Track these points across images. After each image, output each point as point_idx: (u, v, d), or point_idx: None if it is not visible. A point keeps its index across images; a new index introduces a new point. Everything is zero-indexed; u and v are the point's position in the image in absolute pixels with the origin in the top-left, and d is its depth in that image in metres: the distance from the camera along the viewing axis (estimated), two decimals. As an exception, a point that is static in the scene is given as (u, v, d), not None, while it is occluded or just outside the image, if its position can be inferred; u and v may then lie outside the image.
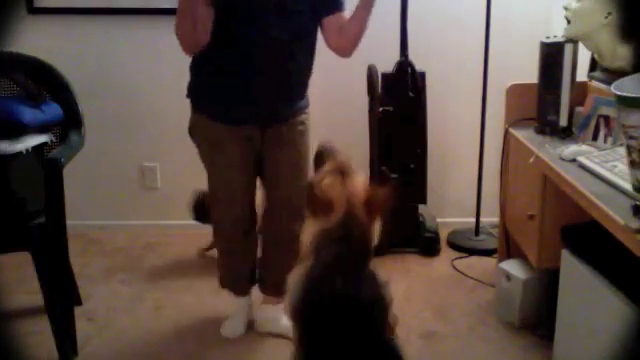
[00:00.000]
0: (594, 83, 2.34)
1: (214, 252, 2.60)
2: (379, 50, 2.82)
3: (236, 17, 2.01)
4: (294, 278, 1.58)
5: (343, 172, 1.62)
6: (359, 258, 1.54)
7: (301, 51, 2.14)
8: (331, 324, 1.48)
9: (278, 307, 2.35)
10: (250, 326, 2.46)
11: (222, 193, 2.27)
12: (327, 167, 1.66)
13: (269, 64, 2.08)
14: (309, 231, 1.59)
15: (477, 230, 3.19)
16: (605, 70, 2.25)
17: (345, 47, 2.19)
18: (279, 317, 2.35)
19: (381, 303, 1.53)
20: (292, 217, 2.20)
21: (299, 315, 1.54)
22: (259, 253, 2.43)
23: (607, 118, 2.11)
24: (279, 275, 1.78)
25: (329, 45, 2.20)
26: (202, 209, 2.94)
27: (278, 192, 2.29)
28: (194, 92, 2.23)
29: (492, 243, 3.02)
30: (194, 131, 2.25)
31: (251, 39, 2.04)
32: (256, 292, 2.49)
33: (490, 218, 3.12)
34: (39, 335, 2.38)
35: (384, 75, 2.93)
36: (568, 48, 2.24)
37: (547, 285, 2.33)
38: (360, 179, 1.63)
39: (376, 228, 1.60)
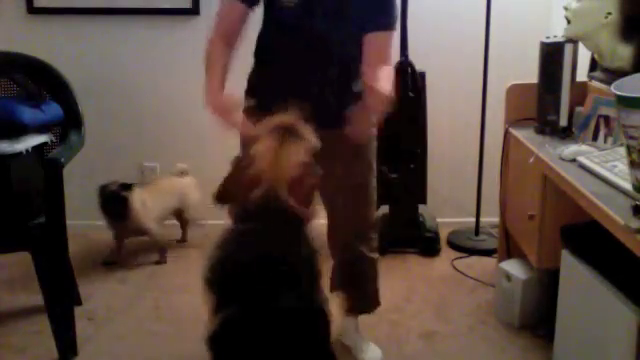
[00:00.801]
0: (594, 83, 2.34)
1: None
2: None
3: (277, 22, 1.93)
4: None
5: (284, 134, 1.51)
6: (279, 232, 1.46)
7: (338, 56, 1.95)
8: (245, 297, 1.41)
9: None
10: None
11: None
12: (271, 123, 1.54)
13: (303, 68, 1.94)
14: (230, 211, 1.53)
15: (477, 230, 3.19)
16: (605, 70, 2.24)
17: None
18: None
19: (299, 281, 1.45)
20: (355, 239, 2.14)
21: (211, 285, 1.47)
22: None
23: (607, 118, 2.11)
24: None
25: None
26: (116, 204, 2.85)
27: (335, 213, 2.13)
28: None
29: (492, 243, 3.02)
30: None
31: (287, 43, 1.94)
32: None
33: (490, 218, 3.12)
34: (39, 335, 2.39)
35: (384, 75, 2.93)
36: (568, 48, 2.24)
37: (547, 285, 2.33)
38: (297, 151, 1.50)
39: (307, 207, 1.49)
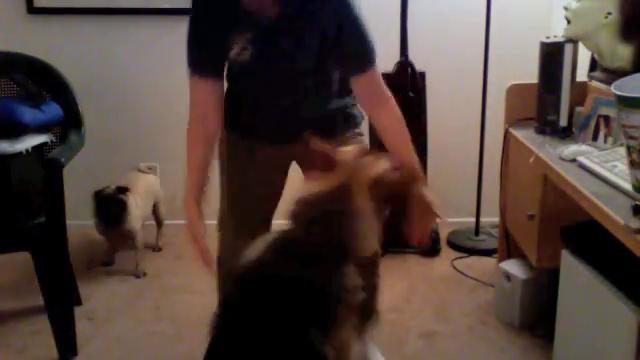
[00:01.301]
0: (594, 83, 2.34)
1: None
2: (379, 50, 2.76)
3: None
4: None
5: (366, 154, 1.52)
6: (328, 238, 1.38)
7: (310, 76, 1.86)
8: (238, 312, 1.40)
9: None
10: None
11: None
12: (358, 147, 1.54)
13: (270, 96, 1.87)
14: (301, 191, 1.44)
15: (477, 230, 3.19)
16: (605, 70, 2.25)
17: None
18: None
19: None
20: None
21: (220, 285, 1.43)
22: None
23: (607, 118, 2.11)
24: None
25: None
26: (114, 208, 2.82)
27: None
28: None
29: (492, 243, 3.02)
30: None
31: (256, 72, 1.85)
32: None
33: (490, 218, 3.12)
34: (39, 335, 2.39)
35: (384, 75, 2.90)
36: (568, 48, 2.24)
37: (547, 285, 2.33)
38: (380, 164, 1.48)
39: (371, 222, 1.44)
